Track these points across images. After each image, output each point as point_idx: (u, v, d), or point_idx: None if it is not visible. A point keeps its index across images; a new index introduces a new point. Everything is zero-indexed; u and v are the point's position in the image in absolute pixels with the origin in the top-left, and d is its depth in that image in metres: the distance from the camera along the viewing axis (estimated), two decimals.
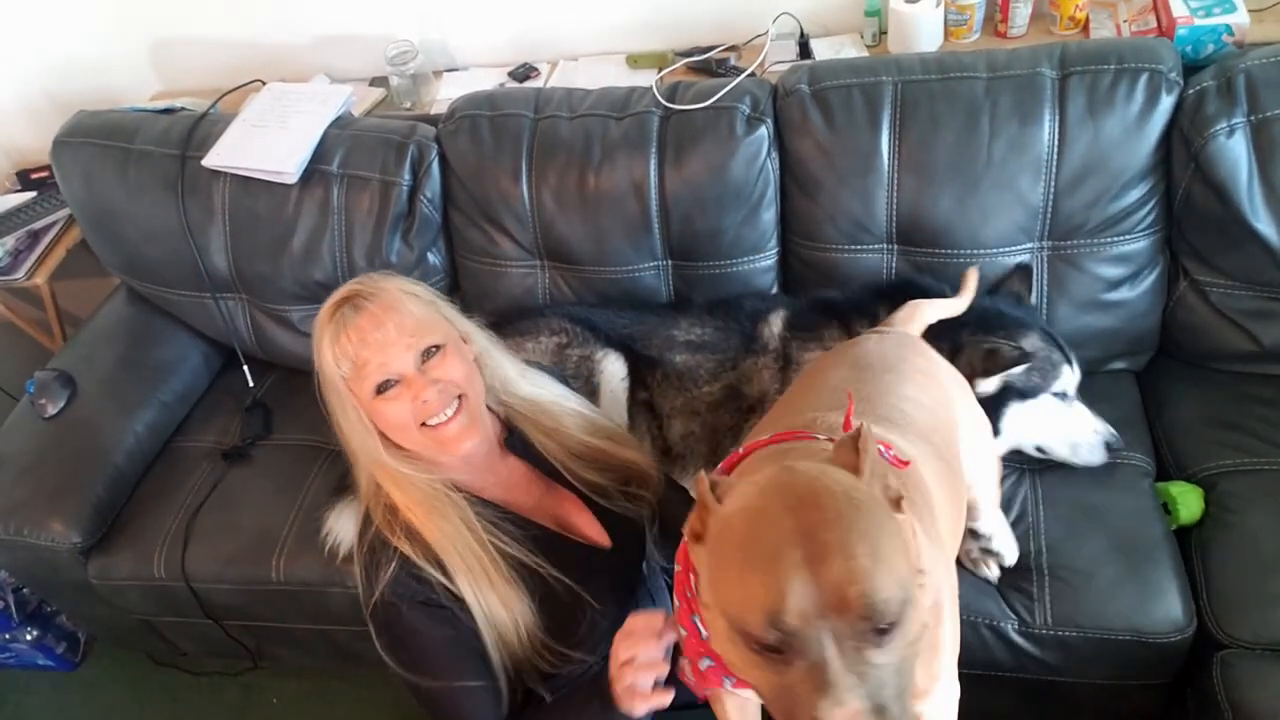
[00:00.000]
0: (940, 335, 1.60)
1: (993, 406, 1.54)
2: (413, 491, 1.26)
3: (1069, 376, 1.60)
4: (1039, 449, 1.63)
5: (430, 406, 1.23)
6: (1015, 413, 1.57)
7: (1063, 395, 1.59)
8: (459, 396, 1.26)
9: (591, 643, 1.31)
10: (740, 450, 1.01)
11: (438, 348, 1.26)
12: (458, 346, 1.30)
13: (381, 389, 1.23)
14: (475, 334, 1.37)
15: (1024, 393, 1.56)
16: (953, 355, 1.58)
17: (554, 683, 1.30)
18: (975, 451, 1.34)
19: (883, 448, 0.93)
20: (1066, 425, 1.61)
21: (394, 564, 1.24)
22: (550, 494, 1.41)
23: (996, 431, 1.56)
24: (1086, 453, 1.60)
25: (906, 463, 0.96)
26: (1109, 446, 1.60)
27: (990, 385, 1.55)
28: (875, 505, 0.78)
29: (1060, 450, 1.62)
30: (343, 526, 1.74)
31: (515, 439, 1.41)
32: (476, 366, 1.33)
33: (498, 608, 1.24)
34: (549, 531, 1.35)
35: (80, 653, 2.29)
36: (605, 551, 1.38)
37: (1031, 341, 1.59)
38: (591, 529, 1.39)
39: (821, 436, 0.97)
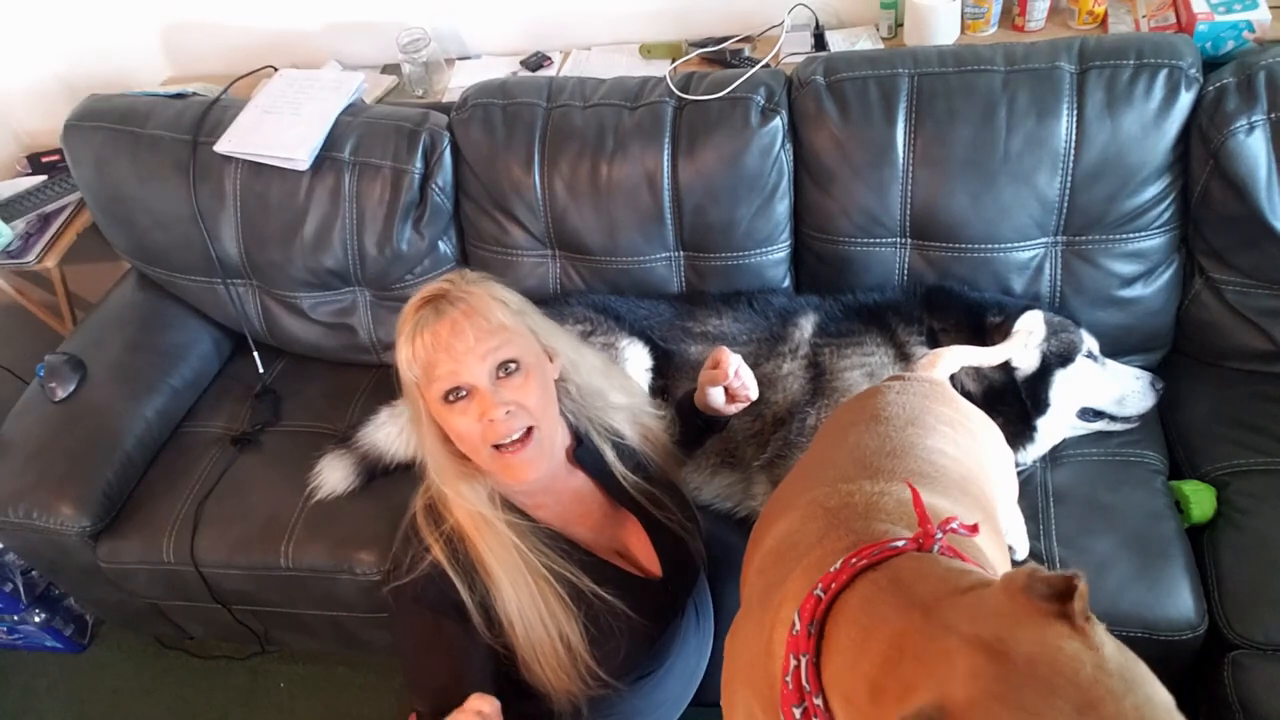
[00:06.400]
0: (965, 322, 1.68)
1: (1039, 380, 1.62)
2: (471, 503, 1.22)
3: (1089, 339, 1.67)
4: (1089, 413, 1.67)
5: (496, 428, 1.18)
6: (1061, 380, 1.62)
7: (1093, 356, 1.66)
8: (529, 427, 1.21)
9: (627, 669, 1.29)
10: (834, 571, 0.83)
11: (515, 364, 1.19)
12: (539, 368, 1.23)
13: (450, 397, 1.18)
14: (564, 346, 1.31)
15: (1063, 358, 1.63)
16: (980, 336, 1.65)
17: (595, 705, 1.27)
18: (1005, 495, 1.32)
19: (960, 527, 0.85)
20: (1108, 381, 1.67)
21: (425, 566, 1.22)
22: (611, 515, 1.37)
23: (1046, 404, 1.61)
24: (1136, 402, 1.67)
25: (974, 527, 0.87)
26: (1154, 387, 1.68)
27: (1032, 360, 1.62)
28: (1137, 661, 0.67)
29: (1110, 406, 1.67)
30: (329, 476, 1.79)
31: (586, 451, 1.35)
32: (555, 391, 1.27)
33: (539, 628, 1.21)
34: (599, 559, 1.32)
35: (88, 635, 2.30)
36: (655, 582, 1.35)
37: (1045, 314, 1.66)
38: (646, 556, 1.37)
39: (901, 540, 0.84)
